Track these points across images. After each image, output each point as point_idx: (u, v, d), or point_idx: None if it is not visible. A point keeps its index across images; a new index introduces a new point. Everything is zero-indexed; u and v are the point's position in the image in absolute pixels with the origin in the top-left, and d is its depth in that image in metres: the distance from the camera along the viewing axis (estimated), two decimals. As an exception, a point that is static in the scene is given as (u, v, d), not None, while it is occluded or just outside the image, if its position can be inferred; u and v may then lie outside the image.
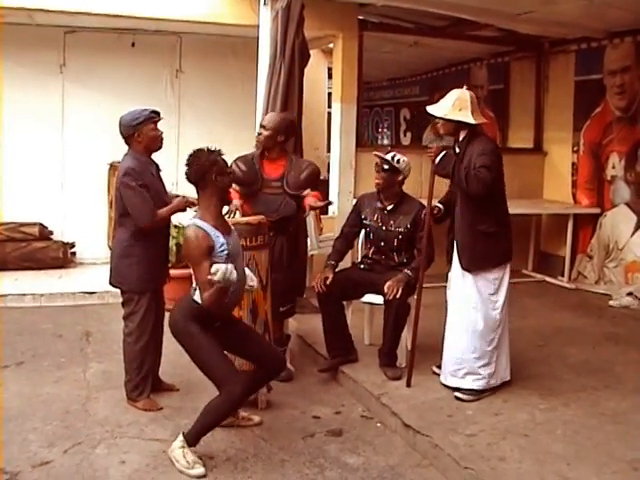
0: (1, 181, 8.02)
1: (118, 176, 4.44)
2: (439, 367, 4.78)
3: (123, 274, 4.48)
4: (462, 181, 4.37)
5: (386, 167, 4.99)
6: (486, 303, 4.51)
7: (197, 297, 3.78)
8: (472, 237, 4.49)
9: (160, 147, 4.54)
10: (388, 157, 4.98)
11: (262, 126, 4.96)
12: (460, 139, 4.54)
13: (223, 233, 3.76)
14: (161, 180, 4.63)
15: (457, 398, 4.51)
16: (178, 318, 3.81)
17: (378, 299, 5.01)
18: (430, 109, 4.57)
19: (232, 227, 3.96)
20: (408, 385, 4.70)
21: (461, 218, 4.54)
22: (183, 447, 3.74)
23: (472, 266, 4.51)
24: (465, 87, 4.59)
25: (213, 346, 3.77)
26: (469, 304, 4.53)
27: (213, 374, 3.79)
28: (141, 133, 4.40)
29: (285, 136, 4.98)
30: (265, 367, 4.06)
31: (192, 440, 3.76)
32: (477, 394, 4.53)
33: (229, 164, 3.89)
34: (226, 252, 3.72)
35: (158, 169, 4.62)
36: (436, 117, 4.55)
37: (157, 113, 4.47)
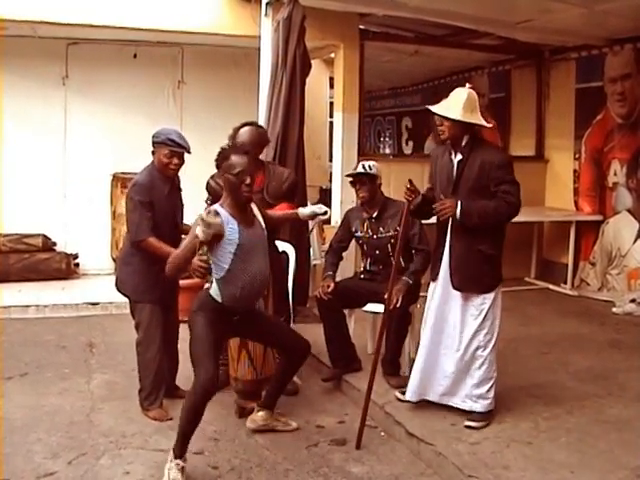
0: (4, 192, 8.05)
1: (129, 187, 4.55)
2: (403, 393, 4.49)
3: (123, 280, 4.61)
4: (490, 217, 4.07)
5: (364, 179, 5.02)
6: (474, 325, 4.20)
7: (213, 292, 3.85)
8: (469, 256, 4.16)
9: (168, 175, 4.53)
10: (361, 170, 5.01)
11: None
12: (463, 144, 4.18)
13: (240, 223, 3.81)
14: (176, 200, 4.64)
15: (467, 427, 4.18)
16: (192, 309, 3.90)
17: (380, 308, 5.00)
18: (437, 110, 4.18)
19: (257, 221, 3.99)
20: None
21: (458, 234, 4.19)
22: (171, 461, 3.66)
23: (465, 286, 4.19)
24: (469, 86, 4.27)
25: (207, 339, 3.76)
26: (457, 325, 4.26)
27: (193, 362, 3.78)
28: (156, 151, 4.50)
29: (259, 149, 4.89)
30: (293, 354, 4.16)
31: (177, 450, 3.66)
32: (487, 417, 4.25)
33: (237, 171, 3.79)
34: (236, 241, 3.76)
35: (176, 189, 4.63)
36: (448, 119, 4.14)
37: (178, 145, 4.44)
